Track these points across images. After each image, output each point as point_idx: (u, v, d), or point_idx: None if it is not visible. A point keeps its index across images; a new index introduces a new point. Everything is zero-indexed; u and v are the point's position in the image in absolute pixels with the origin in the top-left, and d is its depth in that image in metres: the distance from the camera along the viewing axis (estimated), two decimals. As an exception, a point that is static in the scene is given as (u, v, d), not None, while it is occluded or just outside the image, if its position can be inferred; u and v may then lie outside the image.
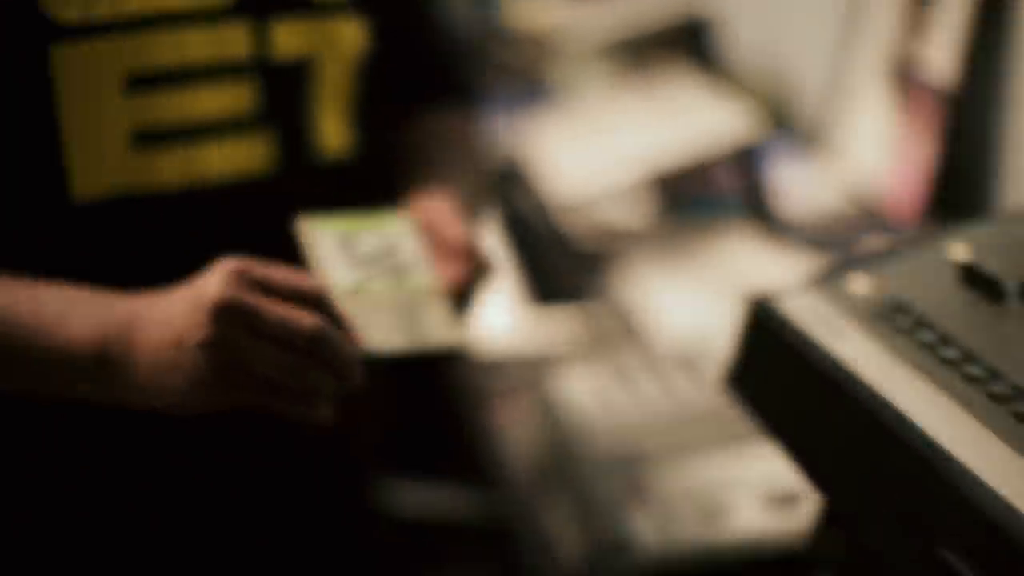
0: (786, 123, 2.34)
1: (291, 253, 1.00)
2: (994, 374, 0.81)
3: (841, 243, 1.87)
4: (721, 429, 1.39)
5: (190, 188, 1.01)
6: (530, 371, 1.66)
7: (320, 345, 0.87)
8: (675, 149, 2.07)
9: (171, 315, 0.89)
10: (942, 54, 1.83)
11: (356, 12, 1.11)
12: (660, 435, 1.42)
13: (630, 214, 2.09)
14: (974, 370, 0.81)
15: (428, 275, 0.99)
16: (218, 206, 1.03)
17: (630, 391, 1.52)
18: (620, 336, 1.71)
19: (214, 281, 0.88)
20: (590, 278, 1.93)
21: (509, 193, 2.20)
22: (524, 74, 2.68)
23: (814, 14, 2.32)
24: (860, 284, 0.96)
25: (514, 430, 1.58)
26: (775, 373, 0.96)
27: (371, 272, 0.98)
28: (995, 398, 0.78)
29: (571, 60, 2.65)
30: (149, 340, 0.89)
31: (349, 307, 0.94)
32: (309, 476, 1.18)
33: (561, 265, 2.01)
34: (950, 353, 0.84)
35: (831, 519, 1.06)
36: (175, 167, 1.00)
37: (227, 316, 0.87)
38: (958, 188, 1.81)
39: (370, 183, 1.17)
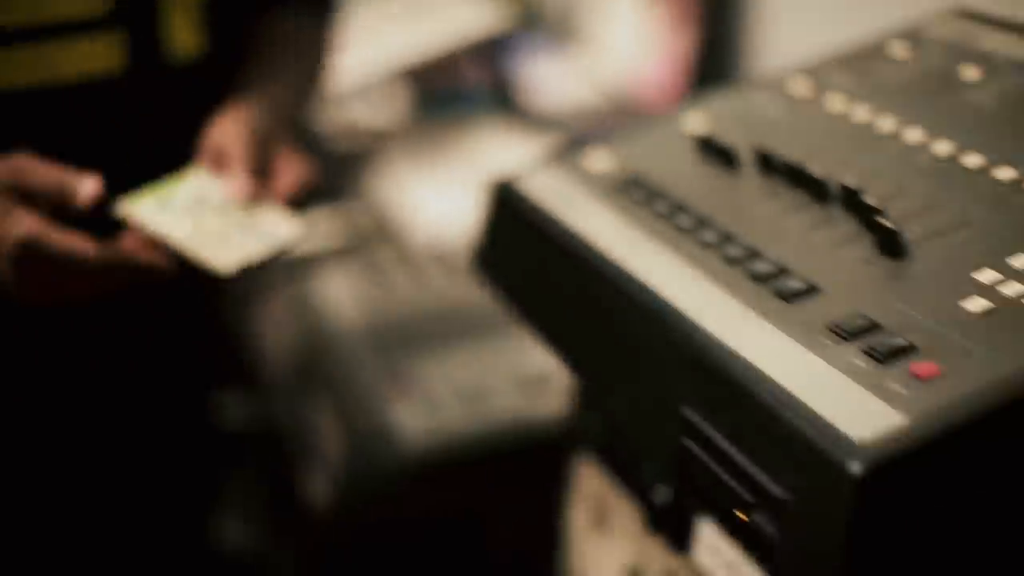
0: (539, 18, 2.35)
1: (143, 153, 1.03)
2: (728, 238, 0.83)
3: (595, 135, 1.89)
4: (477, 317, 1.40)
5: (40, 87, 0.99)
6: (287, 272, 1.64)
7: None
8: (422, 45, 2.06)
9: None
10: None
11: None
12: (418, 327, 1.43)
13: (382, 113, 2.08)
14: (709, 236, 0.84)
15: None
16: (68, 106, 1.03)
17: (387, 287, 1.53)
18: (375, 234, 1.71)
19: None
20: (344, 178, 1.92)
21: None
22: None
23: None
24: (598, 160, 0.98)
25: (274, 331, 1.57)
26: (518, 252, 0.97)
27: (197, 214, 1.01)
28: (730, 261, 0.81)
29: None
30: None
31: (195, 245, 0.98)
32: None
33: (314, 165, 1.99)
34: (686, 221, 0.86)
35: (586, 398, 1.08)
36: (24, 66, 0.99)
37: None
38: (715, 76, 1.85)
39: (220, 84, 1.16)
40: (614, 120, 1.96)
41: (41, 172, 0.93)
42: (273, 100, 1.11)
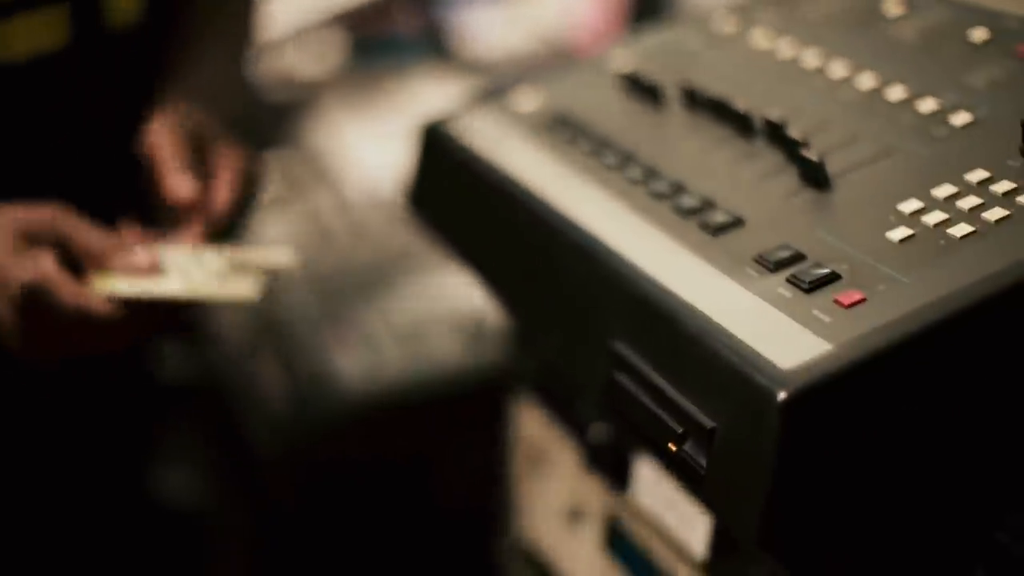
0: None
1: (89, 124, 1.02)
2: (653, 173, 0.84)
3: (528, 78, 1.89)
4: (415, 263, 1.40)
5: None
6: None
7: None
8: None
9: None
10: None
11: None
12: (357, 274, 1.43)
13: (317, 62, 2.07)
14: (635, 172, 0.84)
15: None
16: (18, 84, 1.00)
17: (324, 234, 1.53)
18: (311, 182, 1.70)
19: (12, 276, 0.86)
20: (279, 127, 1.91)
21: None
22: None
23: None
24: (526, 100, 0.98)
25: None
26: (449, 193, 0.97)
27: (190, 268, 0.95)
28: (656, 196, 0.81)
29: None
30: None
31: (212, 289, 0.93)
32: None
33: (252, 116, 1.98)
34: (612, 158, 0.87)
35: (522, 340, 1.09)
36: None
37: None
38: (650, 17, 1.85)
39: (158, 50, 1.14)
40: (549, 64, 1.96)
41: (84, 234, 0.88)
42: (203, 93, 1.09)
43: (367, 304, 1.38)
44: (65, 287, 0.85)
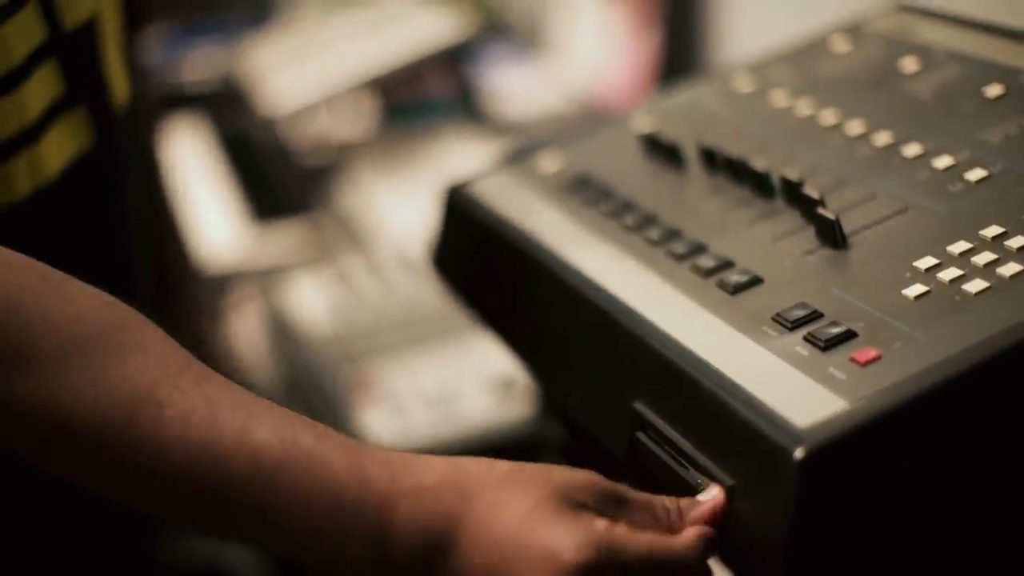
0: (504, 26, 2.36)
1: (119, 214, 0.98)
2: (673, 234, 0.84)
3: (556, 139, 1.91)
4: (444, 323, 1.41)
5: (35, 189, 0.91)
6: (257, 284, 1.66)
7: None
8: (386, 56, 2.08)
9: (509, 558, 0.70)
10: None
11: None
12: (386, 334, 1.44)
13: (349, 125, 2.09)
14: (655, 233, 0.85)
15: None
16: (60, 197, 0.93)
17: (355, 295, 1.54)
18: (344, 244, 1.72)
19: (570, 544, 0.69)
20: (313, 190, 1.93)
21: (228, 111, 2.18)
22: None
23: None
24: (548, 162, 0.99)
25: (246, 343, 1.58)
26: (471, 254, 0.98)
27: None
28: (676, 256, 0.82)
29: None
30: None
31: None
32: None
33: (284, 179, 2.00)
34: (632, 219, 0.88)
35: (547, 402, 1.10)
36: (24, 173, 0.90)
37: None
38: (679, 76, 1.86)
39: (142, 123, 1.14)
40: (580, 124, 1.98)
41: (631, 493, 0.73)
42: None
43: (396, 364, 1.39)
44: (632, 536, 0.70)
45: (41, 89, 0.91)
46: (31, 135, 0.90)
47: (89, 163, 0.96)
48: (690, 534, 0.70)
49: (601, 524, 0.69)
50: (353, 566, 0.71)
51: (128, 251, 1.04)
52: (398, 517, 0.70)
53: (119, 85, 1.04)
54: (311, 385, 1.40)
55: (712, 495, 0.70)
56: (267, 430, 0.71)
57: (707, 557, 0.70)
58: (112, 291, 0.79)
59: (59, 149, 0.93)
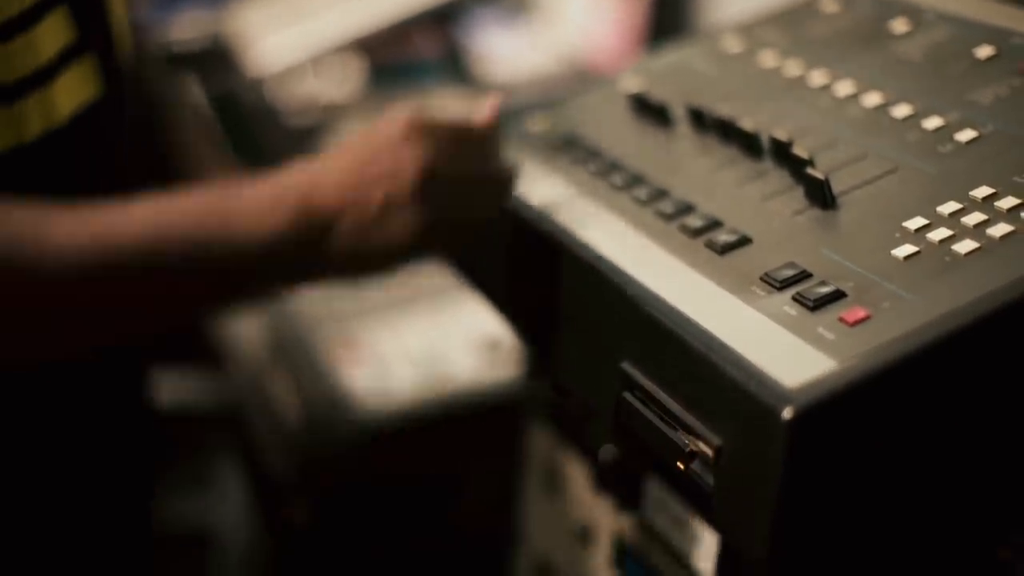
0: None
1: (125, 167, 1.02)
2: (661, 194, 0.84)
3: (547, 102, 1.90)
4: (430, 283, 1.41)
5: (45, 132, 0.94)
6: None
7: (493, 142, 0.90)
8: (374, 16, 2.06)
9: (360, 162, 0.87)
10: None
11: None
12: (372, 295, 1.43)
13: (337, 86, 2.08)
14: (643, 192, 0.85)
15: None
16: (68, 142, 0.96)
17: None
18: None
19: (392, 119, 0.88)
20: (301, 151, 1.92)
21: (216, 71, 2.17)
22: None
23: None
24: (538, 123, 0.99)
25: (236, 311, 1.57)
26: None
27: None
28: (664, 216, 0.82)
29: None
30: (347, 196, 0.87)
31: None
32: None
33: (271, 139, 1.99)
34: (620, 178, 0.87)
35: (534, 362, 1.09)
36: (33, 117, 0.93)
37: (420, 129, 0.87)
38: (668, 37, 1.85)
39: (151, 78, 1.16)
40: (569, 86, 1.97)
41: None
42: None
43: (382, 324, 1.38)
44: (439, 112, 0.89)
45: (53, 33, 0.93)
46: (44, 77, 0.92)
47: (98, 112, 0.98)
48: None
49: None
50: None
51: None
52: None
53: (124, 38, 1.04)
54: (297, 345, 1.39)
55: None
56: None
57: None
58: None
59: (69, 95, 0.95)
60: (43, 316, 0.86)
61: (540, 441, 1.09)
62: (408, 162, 0.86)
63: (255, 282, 0.90)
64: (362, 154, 0.88)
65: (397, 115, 0.88)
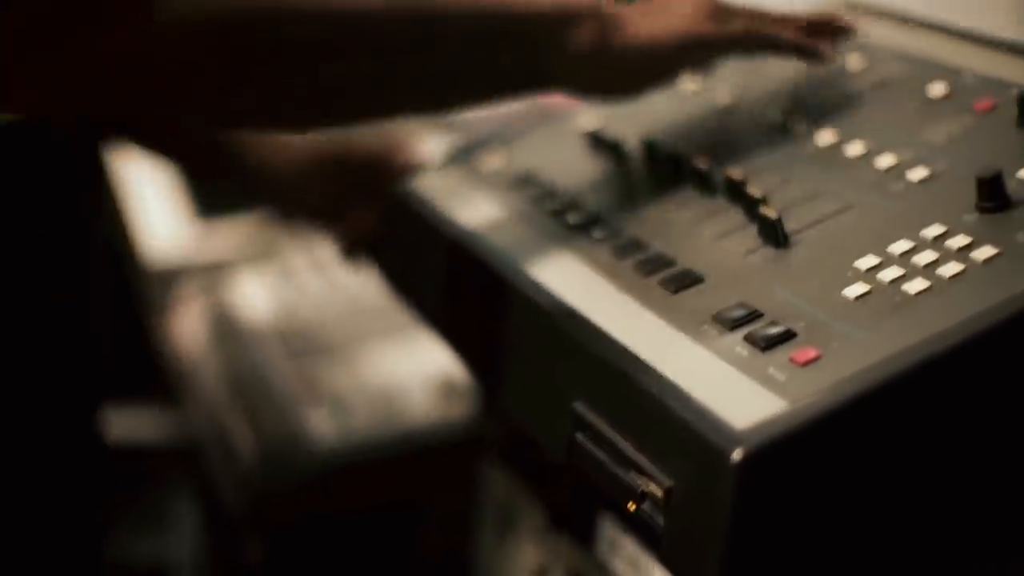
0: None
1: None
2: (615, 232, 0.84)
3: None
4: (388, 320, 1.40)
5: None
6: (201, 280, 1.64)
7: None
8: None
9: None
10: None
11: None
12: (330, 332, 1.43)
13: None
14: (598, 230, 0.84)
15: None
16: None
17: (299, 292, 1.53)
18: (288, 242, 1.71)
19: None
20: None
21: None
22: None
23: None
24: (494, 160, 0.98)
25: (191, 341, 1.56)
26: (416, 252, 0.97)
27: None
28: (618, 254, 0.82)
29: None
30: None
31: None
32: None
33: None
34: (575, 216, 0.87)
35: (489, 402, 1.09)
36: None
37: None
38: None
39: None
40: (525, 122, 1.96)
41: None
42: None
43: (340, 362, 1.37)
44: None
45: None
46: None
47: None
48: None
49: None
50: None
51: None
52: None
53: None
54: (254, 383, 1.38)
55: None
56: None
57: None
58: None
59: None
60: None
61: (495, 480, 1.08)
62: None
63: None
64: None
65: None
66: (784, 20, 0.90)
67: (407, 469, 1.28)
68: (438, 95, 0.87)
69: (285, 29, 0.78)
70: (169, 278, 1.69)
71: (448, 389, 1.29)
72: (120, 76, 0.76)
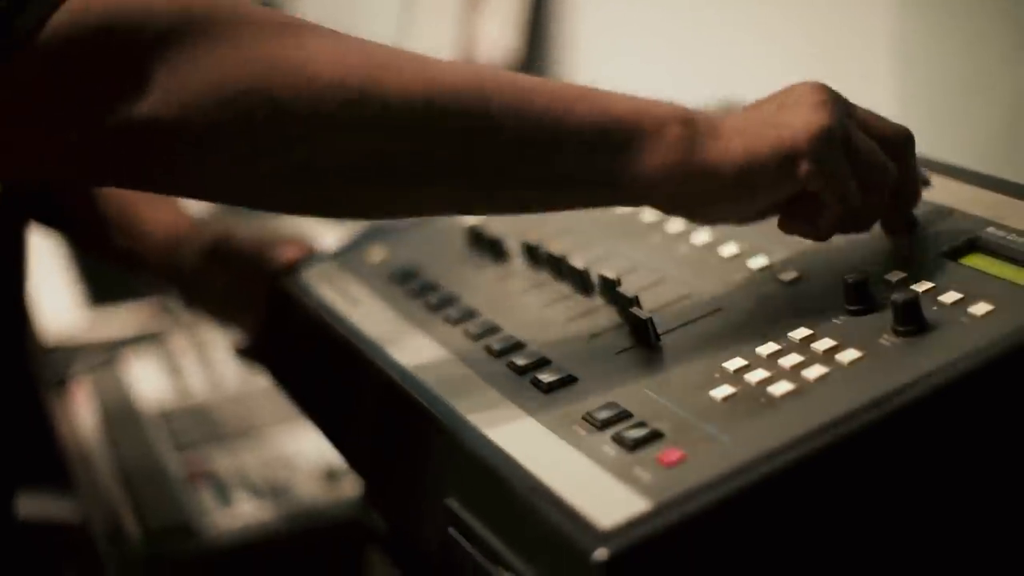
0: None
1: None
2: (491, 329, 0.84)
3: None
4: (278, 407, 1.40)
5: None
6: (89, 363, 1.63)
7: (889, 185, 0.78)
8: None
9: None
10: (502, 31, 1.90)
11: None
12: (214, 419, 1.43)
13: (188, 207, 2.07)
14: (474, 327, 0.85)
15: None
16: None
17: (183, 378, 1.53)
18: (171, 327, 1.70)
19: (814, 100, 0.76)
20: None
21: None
22: None
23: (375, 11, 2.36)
24: (376, 252, 0.99)
25: (78, 423, 1.55)
26: (296, 344, 0.97)
27: None
28: (492, 352, 0.82)
29: None
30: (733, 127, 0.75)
31: None
32: None
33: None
34: (454, 313, 0.88)
35: (369, 494, 1.09)
36: None
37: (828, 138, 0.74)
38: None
39: None
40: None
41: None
42: None
43: (225, 450, 1.37)
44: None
45: None
46: None
47: None
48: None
49: None
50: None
51: None
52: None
53: None
54: (138, 469, 1.38)
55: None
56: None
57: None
58: None
59: None
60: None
61: (378, 569, 1.08)
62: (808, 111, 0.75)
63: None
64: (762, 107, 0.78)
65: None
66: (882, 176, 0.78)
67: (294, 554, 1.28)
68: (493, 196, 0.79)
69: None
70: (62, 358, 1.68)
71: (335, 476, 1.29)
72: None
